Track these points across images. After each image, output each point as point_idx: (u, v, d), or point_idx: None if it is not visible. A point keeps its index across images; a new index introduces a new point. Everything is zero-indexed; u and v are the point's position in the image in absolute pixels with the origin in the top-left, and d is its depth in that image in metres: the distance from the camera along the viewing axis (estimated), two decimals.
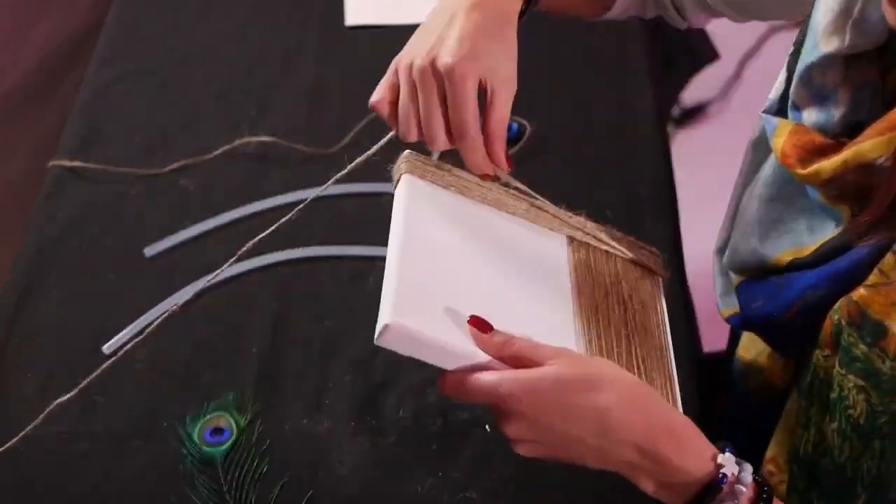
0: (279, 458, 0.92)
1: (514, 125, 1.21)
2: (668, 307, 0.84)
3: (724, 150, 2.03)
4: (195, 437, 0.93)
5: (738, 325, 0.90)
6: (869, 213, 0.72)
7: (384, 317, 0.69)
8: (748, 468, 0.71)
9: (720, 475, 0.70)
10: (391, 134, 0.84)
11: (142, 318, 1.03)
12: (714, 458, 0.71)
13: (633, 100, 1.28)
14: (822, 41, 0.78)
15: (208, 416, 0.95)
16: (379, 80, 1.30)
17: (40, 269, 1.09)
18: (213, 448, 0.92)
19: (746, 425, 0.95)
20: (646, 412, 0.71)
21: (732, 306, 0.89)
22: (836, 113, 0.79)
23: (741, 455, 0.87)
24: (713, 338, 1.15)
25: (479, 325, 0.71)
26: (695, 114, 2.37)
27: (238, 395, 0.97)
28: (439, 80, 0.80)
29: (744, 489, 0.70)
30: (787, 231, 0.84)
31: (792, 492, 0.84)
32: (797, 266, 0.82)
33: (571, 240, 0.84)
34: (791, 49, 0.84)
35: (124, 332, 1.02)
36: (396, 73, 0.84)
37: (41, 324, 1.04)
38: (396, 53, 1.43)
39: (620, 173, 1.18)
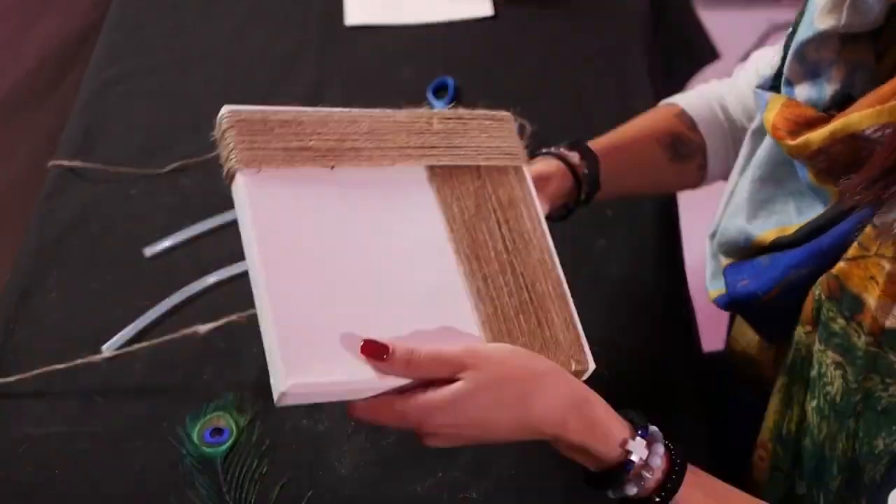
0: (279, 458, 0.92)
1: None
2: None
3: None
4: (195, 437, 0.93)
5: (724, 305, 0.91)
6: (864, 172, 0.72)
7: (279, 382, 0.64)
8: (658, 451, 0.73)
9: (627, 461, 0.72)
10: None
11: (142, 317, 1.03)
12: (623, 445, 0.73)
13: (633, 100, 1.28)
14: (818, 18, 0.79)
15: (208, 416, 0.95)
16: (379, 80, 1.31)
17: (40, 269, 1.09)
18: (213, 448, 0.92)
19: (743, 420, 0.95)
20: (560, 400, 0.72)
21: (720, 288, 0.91)
22: (828, 89, 0.80)
23: (738, 451, 0.87)
24: (713, 338, 1.15)
25: (375, 351, 0.68)
26: None
27: (238, 395, 0.97)
28: None
29: (649, 476, 0.72)
30: (776, 212, 0.86)
31: (776, 472, 0.85)
32: (781, 245, 0.83)
33: (431, 171, 0.78)
34: (789, 30, 0.85)
35: (124, 331, 1.02)
36: None
37: (41, 324, 1.04)
38: (396, 53, 1.44)
39: None
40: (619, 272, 1.08)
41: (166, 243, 1.11)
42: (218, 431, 0.94)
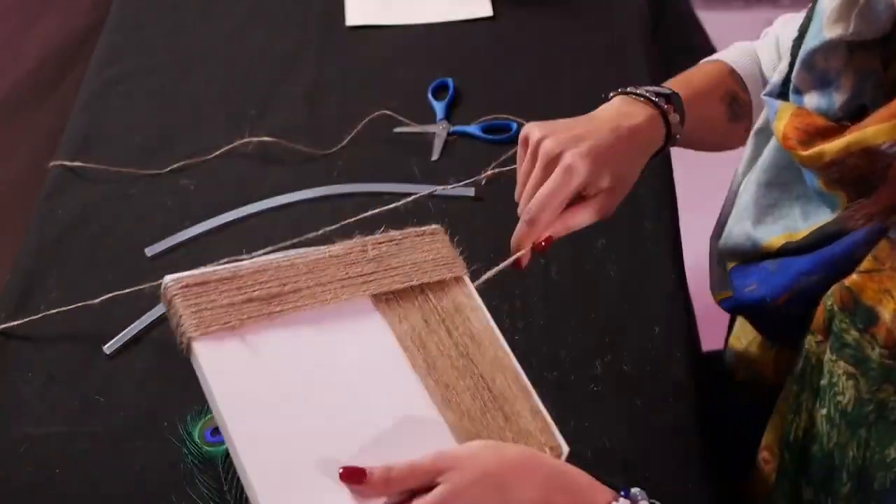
0: None
1: (514, 125, 1.21)
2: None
3: None
4: (196, 436, 0.93)
5: (730, 309, 0.90)
6: (878, 201, 0.73)
7: None
8: None
9: None
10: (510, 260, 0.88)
11: (142, 317, 1.03)
12: None
13: None
14: (826, 27, 0.79)
15: (209, 416, 0.95)
16: (379, 81, 1.31)
17: (40, 269, 1.08)
18: (214, 447, 0.92)
19: (743, 420, 0.95)
20: (539, 482, 0.72)
21: (725, 290, 0.90)
22: (837, 98, 0.79)
23: (740, 452, 0.87)
24: (712, 338, 1.15)
25: (352, 477, 0.69)
26: None
27: None
28: (554, 166, 0.87)
29: None
30: (782, 216, 0.85)
31: (782, 477, 0.85)
32: (789, 251, 0.83)
33: (374, 297, 0.79)
34: (795, 34, 0.84)
35: (125, 332, 1.02)
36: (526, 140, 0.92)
37: (41, 324, 1.04)
38: (396, 53, 1.44)
39: None
40: (619, 272, 1.08)
41: (167, 243, 1.11)
42: (219, 431, 0.94)
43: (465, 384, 0.77)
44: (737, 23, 2.68)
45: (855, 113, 0.78)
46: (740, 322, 0.96)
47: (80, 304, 1.03)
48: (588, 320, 1.03)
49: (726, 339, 1.04)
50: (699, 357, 1.06)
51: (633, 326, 1.03)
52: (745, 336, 0.95)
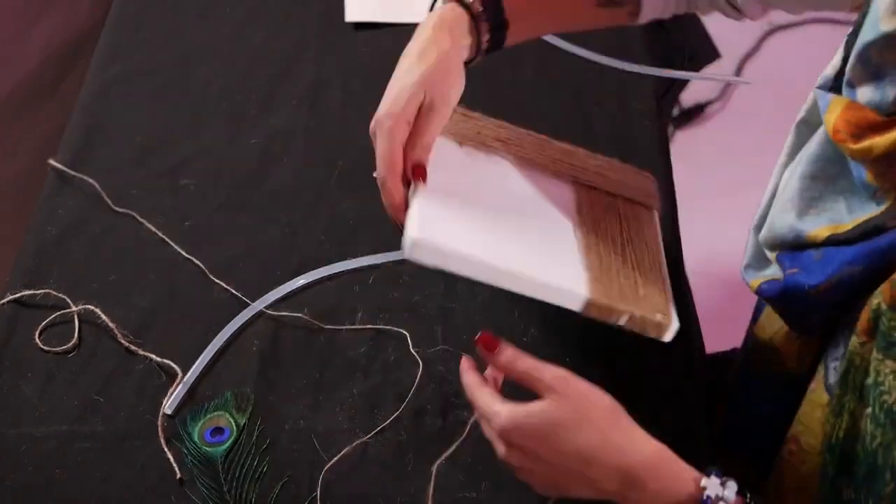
0: (279, 458, 0.92)
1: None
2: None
3: (724, 150, 2.03)
4: (195, 436, 0.93)
5: (766, 294, 0.90)
6: None
7: (411, 232, 0.80)
8: (732, 486, 0.75)
9: (704, 497, 0.75)
10: None
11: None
12: (697, 481, 0.75)
13: (633, 100, 1.28)
14: (882, 20, 0.78)
15: (208, 416, 0.95)
16: (379, 80, 1.31)
17: (40, 269, 1.08)
18: (214, 448, 0.92)
19: (750, 419, 0.95)
20: (624, 452, 0.78)
21: (763, 276, 0.90)
22: (891, 91, 0.79)
23: (756, 450, 0.86)
24: (713, 339, 1.15)
25: (487, 343, 0.80)
26: (695, 114, 2.37)
27: (237, 394, 0.97)
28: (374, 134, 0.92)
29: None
30: (826, 209, 0.85)
31: (823, 478, 0.84)
32: (834, 242, 0.82)
33: (576, 182, 0.95)
34: (850, 30, 0.84)
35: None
36: None
37: (41, 324, 1.04)
38: (397, 53, 1.44)
39: None
40: None
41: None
42: (218, 431, 0.94)
43: (613, 249, 0.89)
44: (736, 23, 2.67)
45: None
46: (767, 312, 0.96)
47: (80, 304, 1.04)
48: (588, 321, 1.03)
49: (748, 330, 1.03)
50: (701, 357, 1.06)
51: None
52: (770, 327, 0.94)
